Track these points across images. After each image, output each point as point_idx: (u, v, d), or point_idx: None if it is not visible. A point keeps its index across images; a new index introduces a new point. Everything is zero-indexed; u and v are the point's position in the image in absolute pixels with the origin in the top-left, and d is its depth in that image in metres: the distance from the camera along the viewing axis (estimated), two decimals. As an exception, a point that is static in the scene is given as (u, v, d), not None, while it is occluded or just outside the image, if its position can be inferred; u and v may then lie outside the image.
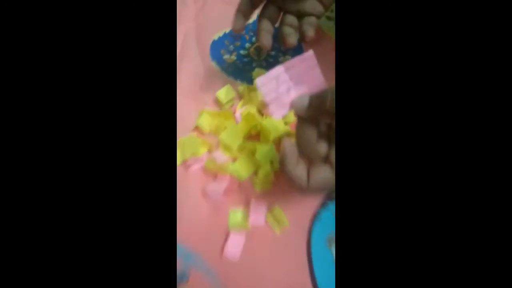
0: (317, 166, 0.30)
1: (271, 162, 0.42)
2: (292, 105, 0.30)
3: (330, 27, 0.55)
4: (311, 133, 0.30)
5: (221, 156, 0.41)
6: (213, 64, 0.53)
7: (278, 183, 0.42)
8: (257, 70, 0.52)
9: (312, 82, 0.30)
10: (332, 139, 0.29)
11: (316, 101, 0.28)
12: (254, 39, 0.56)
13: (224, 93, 0.48)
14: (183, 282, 0.36)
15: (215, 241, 0.39)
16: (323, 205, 0.42)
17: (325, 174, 0.29)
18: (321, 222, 0.41)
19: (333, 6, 0.51)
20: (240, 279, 0.37)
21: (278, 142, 0.45)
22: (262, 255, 0.38)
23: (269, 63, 0.54)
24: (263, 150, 0.42)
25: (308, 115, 0.29)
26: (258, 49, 0.55)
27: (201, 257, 0.38)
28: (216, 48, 0.55)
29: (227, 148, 0.42)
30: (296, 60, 0.30)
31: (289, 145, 0.29)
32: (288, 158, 0.29)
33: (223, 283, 0.37)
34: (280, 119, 0.31)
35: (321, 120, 0.30)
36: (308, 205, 0.42)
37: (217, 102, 0.49)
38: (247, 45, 0.55)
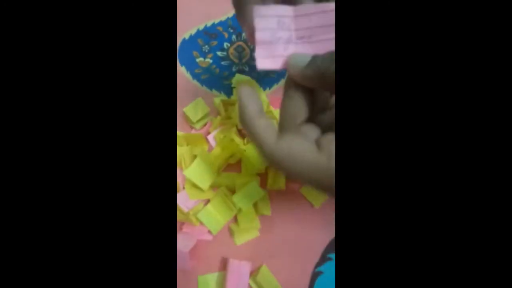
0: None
1: (255, 204, 0.32)
2: (288, 62, 0.21)
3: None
4: (299, 106, 0.21)
5: (186, 200, 0.30)
6: (182, 70, 0.43)
7: (265, 231, 0.32)
8: (238, 76, 0.42)
9: (321, 44, 0.21)
10: (329, 126, 0.21)
11: (318, 63, 0.19)
12: (234, 36, 0.45)
13: (194, 109, 0.38)
14: None
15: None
16: (325, 258, 0.32)
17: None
18: (324, 282, 0.31)
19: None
20: None
21: (264, 175, 0.34)
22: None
23: (252, 67, 0.43)
24: (243, 189, 0.31)
25: (304, 78, 0.20)
26: (240, 49, 0.44)
27: None
28: (187, 49, 0.45)
29: (195, 187, 0.31)
30: (311, 8, 0.21)
31: (247, 88, 0.21)
32: (245, 100, 0.20)
33: None
34: (262, 69, 0.22)
35: (319, 94, 0.21)
36: (305, 260, 0.31)
37: (185, 121, 0.38)
38: (226, 44, 0.45)
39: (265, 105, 0.38)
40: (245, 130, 0.20)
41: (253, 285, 0.30)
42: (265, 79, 0.42)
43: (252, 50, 0.44)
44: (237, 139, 0.35)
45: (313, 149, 0.19)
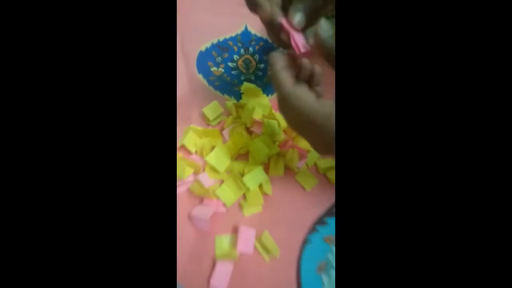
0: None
1: (260, 186, 0.41)
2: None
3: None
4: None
5: (207, 179, 0.39)
6: (200, 77, 0.50)
7: (267, 206, 0.41)
8: (245, 83, 0.49)
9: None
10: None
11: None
12: (242, 50, 0.53)
13: (211, 109, 0.45)
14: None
15: (201, 271, 0.37)
16: (313, 229, 0.40)
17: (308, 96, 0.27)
18: (311, 248, 0.39)
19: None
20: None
21: (267, 164, 0.43)
22: (250, 285, 0.36)
23: (258, 77, 0.51)
24: (251, 173, 0.40)
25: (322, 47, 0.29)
26: (247, 61, 0.53)
27: (186, 288, 0.36)
28: (203, 60, 0.52)
29: (214, 170, 0.40)
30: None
31: (278, 53, 0.28)
32: (275, 60, 0.28)
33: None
34: (304, 51, 0.28)
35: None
36: (298, 230, 0.40)
37: (203, 118, 0.46)
38: (236, 56, 0.53)
39: (267, 109, 0.46)
40: (271, 78, 0.28)
41: (257, 245, 0.38)
42: (268, 86, 0.50)
43: (258, 62, 0.53)
44: (246, 135, 0.43)
45: (317, 100, 0.26)
